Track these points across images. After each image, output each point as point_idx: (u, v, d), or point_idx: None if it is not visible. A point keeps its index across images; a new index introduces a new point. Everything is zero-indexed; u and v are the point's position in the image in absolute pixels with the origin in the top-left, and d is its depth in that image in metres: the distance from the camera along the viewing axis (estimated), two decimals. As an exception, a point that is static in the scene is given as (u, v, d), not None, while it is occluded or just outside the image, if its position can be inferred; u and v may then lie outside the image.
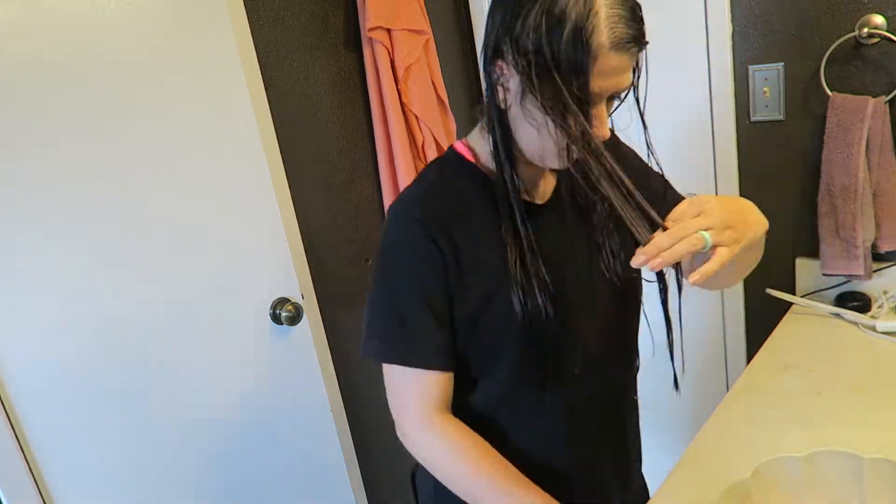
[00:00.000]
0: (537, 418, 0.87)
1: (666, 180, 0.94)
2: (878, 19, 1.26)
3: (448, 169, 0.83)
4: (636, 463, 1.03)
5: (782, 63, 1.40)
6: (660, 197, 0.93)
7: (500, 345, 0.82)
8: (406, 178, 1.62)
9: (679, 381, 0.94)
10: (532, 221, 0.79)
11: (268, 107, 1.44)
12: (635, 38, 0.67)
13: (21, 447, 1.12)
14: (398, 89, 1.58)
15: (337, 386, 1.63)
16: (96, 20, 1.17)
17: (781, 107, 1.42)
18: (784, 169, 1.47)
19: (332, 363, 1.61)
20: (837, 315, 1.35)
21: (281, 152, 1.47)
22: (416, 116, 1.62)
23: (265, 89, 1.43)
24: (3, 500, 1.10)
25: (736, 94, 1.48)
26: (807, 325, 1.35)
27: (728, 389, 1.26)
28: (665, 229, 0.67)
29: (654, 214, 0.68)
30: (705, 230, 0.67)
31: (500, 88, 0.73)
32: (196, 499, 1.37)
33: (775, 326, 1.37)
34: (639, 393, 1.00)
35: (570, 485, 0.90)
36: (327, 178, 1.59)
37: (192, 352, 1.34)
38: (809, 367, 1.19)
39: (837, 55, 1.32)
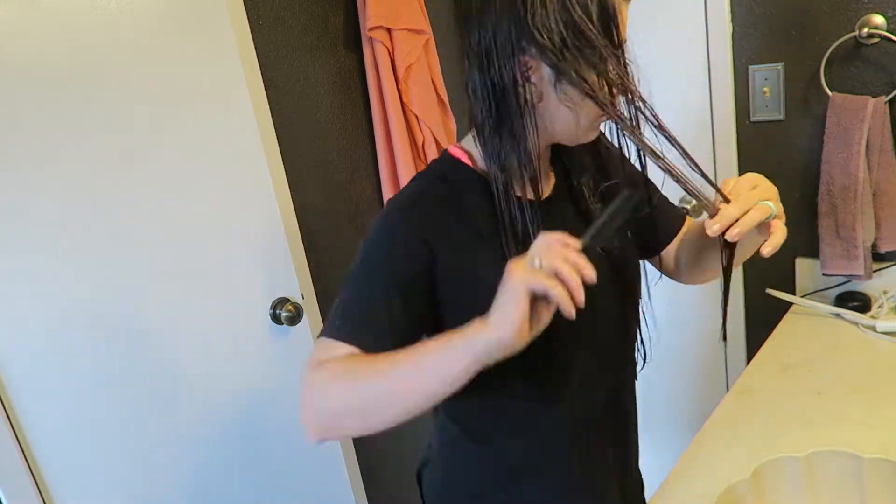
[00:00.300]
0: (542, 416, 0.87)
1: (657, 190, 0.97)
2: (878, 19, 1.26)
3: (446, 171, 0.83)
4: (635, 460, 1.03)
5: (782, 63, 1.40)
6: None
7: None
8: (406, 178, 1.62)
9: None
10: (539, 213, 0.79)
11: (268, 107, 1.44)
12: None
13: (21, 447, 1.12)
14: (398, 89, 1.58)
15: (337, 386, 1.63)
16: (96, 20, 1.17)
17: (781, 107, 1.42)
18: (784, 169, 1.47)
19: (332, 363, 1.61)
20: (837, 315, 1.35)
21: (281, 152, 1.47)
22: (417, 116, 1.62)
23: (265, 89, 1.43)
24: (3, 500, 1.10)
25: (736, 94, 1.48)
26: (807, 325, 1.35)
27: (728, 389, 1.26)
28: (726, 200, 0.72)
29: (707, 182, 0.73)
30: (765, 201, 0.72)
31: (526, 84, 0.73)
32: (196, 498, 1.37)
33: (775, 326, 1.37)
34: (638, 392, 1.00)
35: (573, 484, 0.90)
36: (327, 178, 1.59)
37: (192, 352, 1.34)
38: (809, 367, 1.19)
39: (837, 55, 1.32)
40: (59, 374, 1.16)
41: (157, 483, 1.30)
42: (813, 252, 1.44)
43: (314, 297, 1.56)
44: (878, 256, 1.38)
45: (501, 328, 0.62)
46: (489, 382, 0.85)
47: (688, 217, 1.00)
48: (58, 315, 1.16)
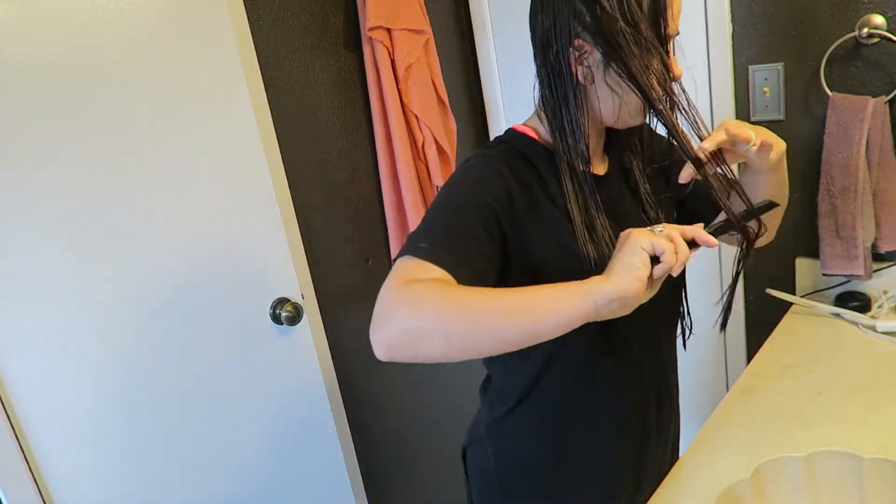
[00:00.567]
0: (593, 387, 0.92)
1: None
2: (878, 19, 1.26)
3: (515, 142, 0.87)
4: (676, 432, 1.09)
5: (782, 63, 1.39)
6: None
7: None
8: (406, 177, 1.62)
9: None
10: (598, 189, 0.85)
11: (268, 107, 1.44)
12: None
13: (21, 447, 1.12)
14: (398, 89, 1.58)
15: (337, 386, 1.63)
16: (96, 20, 1.17)
17: (781, 107, 1.42)
18: (784, 169, 1.47)
19: (332, 363, 1.61)
20: (837, 315, 1.35)
21: (281, 152, 1.47)
22: (417, 116, 1.62)
23: (265, 89, 1.43)
24: (3, 501, 1.10)
25: (736, 94, 1.48)
26: (807, 325, 1.35)
27: (728, 389, 1.26)
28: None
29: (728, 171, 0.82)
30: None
31: (580, 68, 0.80)
32: (195, 498, 1.37)
33: (775, 326, 1.37)
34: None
35: (620, 460, 0.96)
36: (327, 178, 1.59)
37: (191, 351, 1.34)
38: (809, 367, 1.19)
39: (837, 55, 1.32)
40: (58, 374, 1.16)
41: (156, 483, 1.30)
42: (813, 252, 1.44)
43: (314, 297, 1.56)
44: (878, 256, 1.38)
45: (625, 279, 0.65)
46: (549, 348, 0.87)
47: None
48: (57, 315, 1.16)
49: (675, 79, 0.78)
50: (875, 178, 1.31)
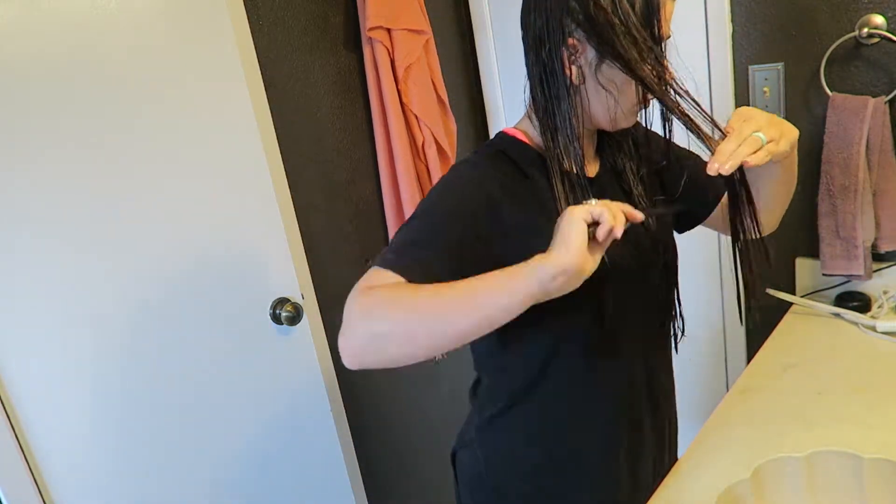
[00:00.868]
0: (589, 384, 0.91)
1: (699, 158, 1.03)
2: (878, 19, 1.26)
3: (505, 147, 0.87)
4: (674, 434, 1.08)
5: (782, 63, 1.39)
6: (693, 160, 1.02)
7: (567, 307, 0.82)
8: (406, 178, 1.62)
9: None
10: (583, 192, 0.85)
11: (268, 107, 1.44)
12: None
13: (21, 447, 1.12)
14: (398, 89, 1.58)
15: (337, 386, 1.63)
16: (96, 20, 1.17)
17: (781, 107, 1.42)
18: (784, 169, 1.46)
19: (332, 363, 1.61)
20: (837, 315, 1.35)
21: (281, 152, 1.47)
22: (416, 116, 1.62)
23: (265, 89, 1.43)
24: (3, 500, 1.10)
25: (736, 94, 1.48)
26: (807, 325, 1.35)
27: (728, 389, 1.26)
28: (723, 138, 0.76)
29: (718, 123, 0.78)
30: (756, 132, 0.75)
31: (573, 67, 0.79)
32: (195, 497, 1.37)
33: (775, 326, 1.37)
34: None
35: (613, 458, 0.95)
36: (327, 178, 1.59)
37: (191, 351, 1.34)
38: (809, 367, 1.19)
39: (837, 55, 1.32)
40: (58, 374, 1.16)
41: (155, 482, 1.30)
42: (813, 252, 1.44)
43: (314, 297, 1.56)
44: (878, 256, 1.38)
45: (564, 251, 0.65)
46: (542, 348, 0.88)
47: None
48: (57, 315, 1.16)
49: (672, 76, 0.78)
50: (875, 178, 1.31)
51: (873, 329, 1.27)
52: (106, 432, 1.23)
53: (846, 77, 1.33)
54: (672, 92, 0.77)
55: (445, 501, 1.95)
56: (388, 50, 1.55)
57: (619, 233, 0.67)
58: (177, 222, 1.30)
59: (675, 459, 1.07)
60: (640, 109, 0.83)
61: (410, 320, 0.68)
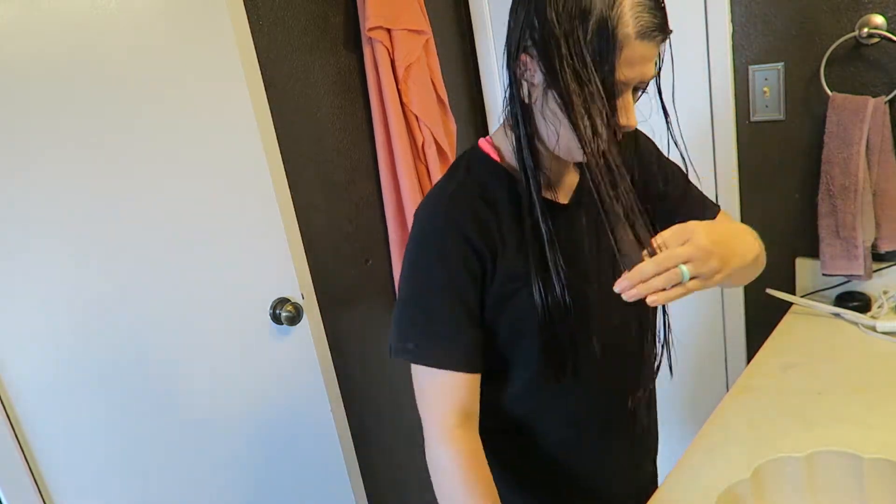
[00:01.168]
0: (557, 412, 0.90)
1: (687, 178, 0.96)
2: (878, 19, 1.26)
3: (475, 167, 0.84)
4: (651, 453, 1.06)
5: (782, 63, 1.39)
6: (680, 196, 0.95)
7: (522, 339, 0.84)
8: (406, 177, 1.62)
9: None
10: (555, 218, 0.81)
11: (268, 107, 1.44)
12: (660, 27, 0.68)
13: (21, 447, 1.12)
14: (398, 89, 1.58)
15: (337, 386, 1.63)
16: (96, 20, 1.17)
17: (781, 107, 1.42)
18: (784, 169, 1.47)
19: (332, 363, 1.61)
20: (837, 315, 1.35)
21: (281, 152, 1.47)
22: (416, 116, 1.62)
23: (265, 89, 1.43)
24: (3, 500, 1.10)
25: (736, 94, 1.48)
26: (807, 325, 1.35)
27: (728, 389, 1.26)
28: (652, 254, 0.68)
29: (643, 234, 0.69)
30: (686, 263, 0.68)
31: (524, 84, 0.74)
32: (195, 498, 1.37)
33: (775, 326, 1.37)
34: (655, 384, 1.03)
35: (583, 477, 0.94)
36: (327, 178, 1.59)
37: (192, 352, 1.34)
38: (809, 367, 1.19)
39: (837, 55, 1.32)
40: (58, 374, 1.16)
41: (156, 482, 1.30)
42: (813, 252, 1.44)
43: (314, 297, 1.56)
44: (878, 256, 1.38)
45: None
46: (509, 379, 0.88)
47: (720, 215, 0.99)
48: (57, 315, 1.16)
49: (619, 127, 0.71)
50: (875, 178, 1.31)
51: (873, 329, 1.27)
52: (106, 432, 1.23)
53: (846, 77, 1.33)
54: (602, 156, 0.69)
55: (445, 501, 1.94)
56: (388, 50, 1.55)
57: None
58: (177, 222, 1.30)
59: (651, 475, 1.07)
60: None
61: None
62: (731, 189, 1.54)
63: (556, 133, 0.74)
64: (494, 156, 0.84)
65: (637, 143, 0.93)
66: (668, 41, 0.73)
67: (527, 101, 0.75)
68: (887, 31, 1.25)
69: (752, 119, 1.47)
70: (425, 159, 1.66)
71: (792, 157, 1.45)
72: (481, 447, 0.83)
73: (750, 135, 1.49)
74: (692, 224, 0.70)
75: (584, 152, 0.70)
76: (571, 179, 0.87)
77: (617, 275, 0.85)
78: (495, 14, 1.83)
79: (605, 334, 0.88)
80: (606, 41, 0.66)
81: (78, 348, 1.18)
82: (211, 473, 1.39)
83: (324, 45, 1.55)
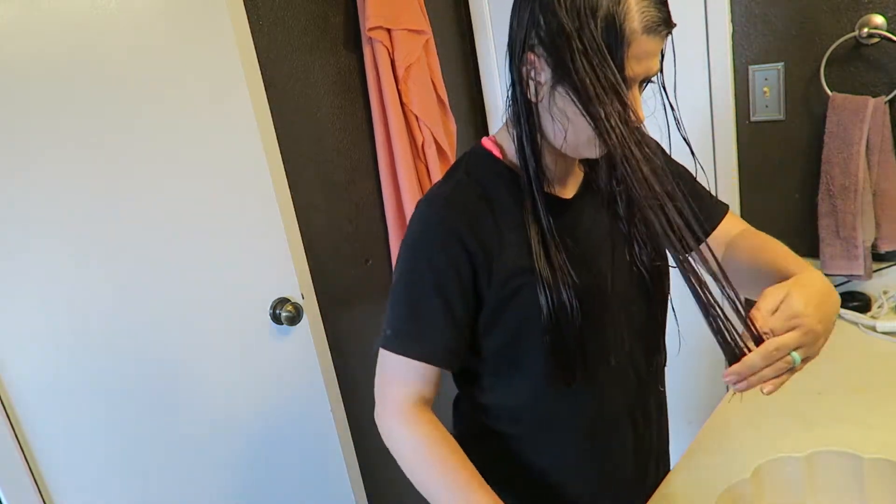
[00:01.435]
0: (566, 416, 0.89)
1: (694, 178, 0.96)
2: (878, 19, 1.26)
3: (476, 165, 0.84)
4: (665, 455, 1.05)
5: (782, 63, 1.40)
6: (688, 194, 0.94)
7: (527, 341, 0.83)
8: (406, 177, 1.62)
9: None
10: (559, 216, 0.81)
11: (268, 107, 1.44)
12: (665, 21, 0.70)
13: (21, 447, 1.12)
14: (398, 89, 1.58)
15: (337, 386, 1.63)
16: (96, 20, 1.17)
17: (781, 107, 1.42)
18: (784, 169, 1.47)
19: (332, 363, 1.61)
20: (837, 315, 1.35)
21: (281, 152, 1.47)
22: (416, 116, 1.62)
23: (265, 89, 1.43)
24: (3, 501, 1.10)
25: (736, 94, 1.48)
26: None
27: (728, 389, 1.26)
28: (759, 340, 0.67)
29: (747, 321, 0.68)
30: (797, 349, 0.68)
31: (530, 82, 0.75)
32: (195, 498, 1.37)
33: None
34: (666, 385, 1.01)
35: (592, 481, 0.93)
36: (327, 178, 1.59)
37: (192, 352, 1.34)
38: (809, 367, 1.18)
39: (837, 55, 1.32)
40: (58, 375, 1.16)
41: (156, 482, 1.30)
42: (813, 252, 1.44)
43: (314, 297, 1.56)
44: (878, 256, 1.38)
45: None
46: (515, 384, 0.87)
47: (728, 216, 0.97)
48: (57, 315, 1.16)
49: (633, 122, 0.70)
50: (875, 178, 1.31)
51: (873, 329, 1.27)
52: (106, 432, 1.23)
53: (846, 77, 1.33)
54: (631, 143, 0.68)
55: (445, 501, 1.94)
56: (388, 50, 1.55)
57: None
58: (177, 222, 1.30)
59: (668, 471, 1.06)
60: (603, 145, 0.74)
61: (415, 480, 0.84)
62: (731, 189, 1.54)
63: (564, 130, 0.75)
64: (497, 153, 0.84)
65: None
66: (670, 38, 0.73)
67: (533, 99, 0.76)
68: (887, 31, 1.25)
69: (752, 119, 1.47)
70: (425, 159, 1.66)
71: (792, 157, 1.45)
72: (436, 420, 0.84)
73: (750, 135, 1.49)
74: (799, 302, 0.69)
75: (609, 142, 0.69)
76: (576, 175, 0.87)
77: (625, 266, 0.86)
78: (495, 14, 1.83)
79: (615, 331, 0.87)
80: (615, 37, 0.67)
81: (78, 348, 1.18)
82: (211, 473, 1.39)
83: (324, 45, 1.55)
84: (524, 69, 0.74)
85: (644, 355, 0.93)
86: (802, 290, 0.70)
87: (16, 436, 1.12)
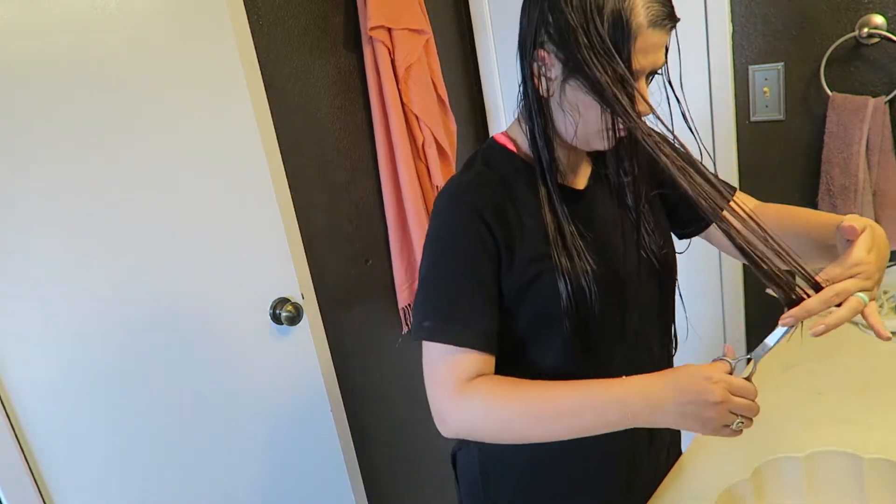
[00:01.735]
0: None
1: (699, 161, 0.96)
2: (878, 19, 1.26)
3: (493, 158, 0.86)
4: (676, 445, 1.06)
5: (782, 63, 1.40)
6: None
7: (547, 327, 0.84)
8: (406, 177, 1.62)
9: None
10: (573, 205, 0.83)
11: (268, 107, 1.44)
12: (669, 15, 0.72)
13: (21, 447, 1.12)
14: (398, 89, 1.58)
15: (337, 386, 1.63)
16: (96, 20, 1.17)
17: (781, 107, 1.42)
18: (784, 169, 1.47)
19: (332, 363, 1.61)
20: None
21: (281, 152, 1.47)
22: (417, 116, 1.62)
23: (265, 89, 1.43)
24: (3, 501, 1.10)
25: (736, 94, 1.48)
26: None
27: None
28: (818, 288, 0.71)
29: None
30: (862, 290, 0.70)
31: (541, 78, 0.77)
32: (195, 498, 1.37)
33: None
34: None
35: (610, 466, 0.94)
36: (327, 178, 1.59)
37: (192, 352, 1.34)
38: (809, 367, 1.18)
39: (837, 55, 1.32)
40: (58, 374, 1.16)
41: (156, 482, 1.30)
42: (813, 252, 1.44)
43: (314, 297, 1.56)
44: (878, 256, 1.38)
45: (698, 428, 0.73)
46: (534, 368, 0.87)
47: (739, 193, 0.99)
48: (57, 315, 1.16)
49: (640, 113, 0.73)
50: (875, 178, 1.31)
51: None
52: (106, 432, 1.23)
53: (846, 77, 1.33)
54: (644, 125, 0.72)
55: (445, 502, 1.95)
56: (388, 50, 1.55)
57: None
58: (177, 222, 1.30)
59: (679, 453, 1.07)
60: (613, 136, 0.78)
61: (507, 432, 0.79)
62: (731, 189, 1.54)
63: (575, 123, 0.78)
64: (511, 147, 0.87)
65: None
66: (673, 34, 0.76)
67: (544, 94, 0.78)
68: (887, 31, 1.25)
69: (752, 119, 1.47)
70: (425, 159, 1.66)
71: (792, 157, 1.45)
72: (489, 376, 0.82)
73: (750, 135, 1.49)
74: (859, 251, 0.71)
75: (628, 124, 0.72)
76: (586, 167, 0.90)
77: (636, 254, 0.88)
78: (495, 14, 1.83)
79: (630, 316, 0.89)
80: (622, 31, 0.70)
81: (78, 348, 1.18)
82: (210, 473, 1.39)
83: (324, 45, 1.55)
84: (535, 65, 0.77)
85: (658, 340, 0.95)
86: (867, 238, 0.73)
87: (16, 436, 1.12)
